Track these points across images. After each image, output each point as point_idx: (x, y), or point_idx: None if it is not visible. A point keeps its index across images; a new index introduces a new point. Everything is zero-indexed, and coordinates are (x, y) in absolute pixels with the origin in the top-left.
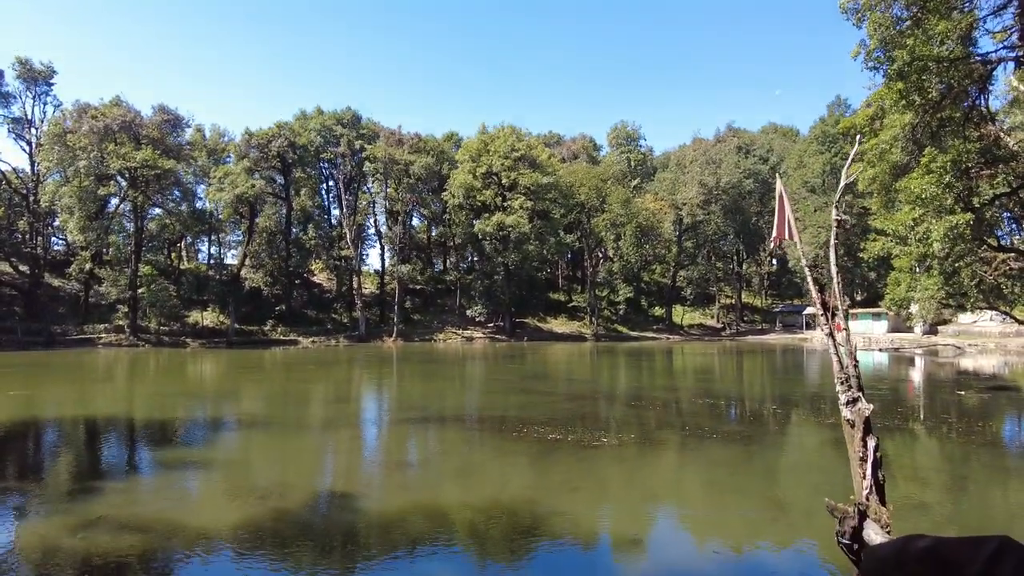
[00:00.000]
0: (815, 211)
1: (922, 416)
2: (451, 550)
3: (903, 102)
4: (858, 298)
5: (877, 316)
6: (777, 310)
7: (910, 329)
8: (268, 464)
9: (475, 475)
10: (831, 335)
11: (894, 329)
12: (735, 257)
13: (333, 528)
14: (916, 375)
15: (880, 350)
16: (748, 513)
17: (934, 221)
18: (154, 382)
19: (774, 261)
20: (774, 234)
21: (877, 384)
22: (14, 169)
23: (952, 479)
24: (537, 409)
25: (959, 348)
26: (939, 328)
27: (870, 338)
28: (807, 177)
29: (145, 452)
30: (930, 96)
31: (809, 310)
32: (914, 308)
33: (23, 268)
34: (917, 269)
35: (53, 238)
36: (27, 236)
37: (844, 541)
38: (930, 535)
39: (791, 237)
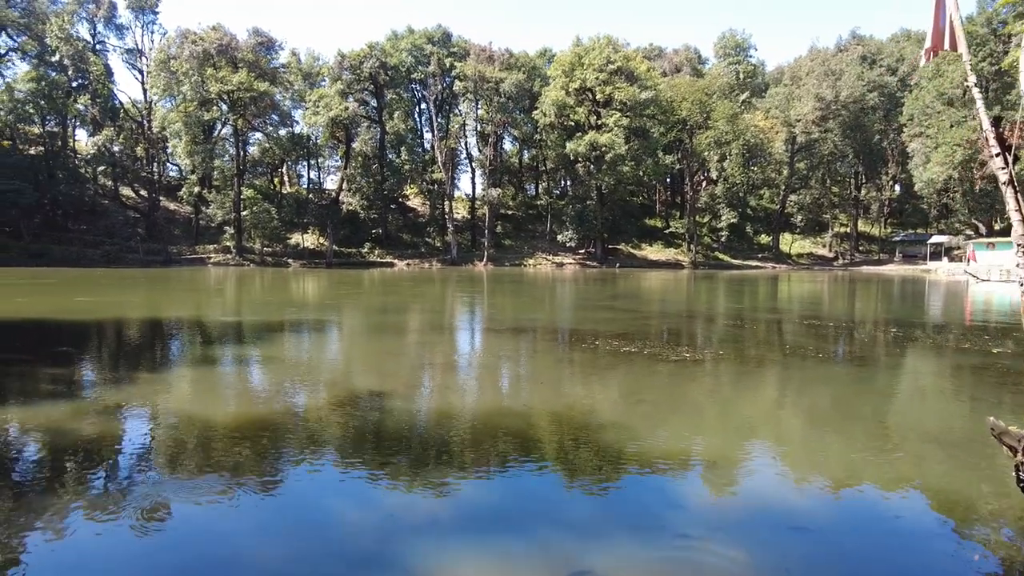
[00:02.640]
0: (951, 127)
1: None
2: (482, 453)
3: None
4: (997, 226)
5: None
6: (897, 239)
7: None
8: (358, 364)
9: (535, 381)
10: (1010, 182)
11: None
12: (853, 180)
13: (387, 419)
14: None
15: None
16: (851, 443)
17: None
18: (259, 293)
19: (897, 186)
20: (926, 45)
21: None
22: (131, 99)
23: None
24: (617, 324)
25: None
26: None
27: (1008, 270)
28: (944, 88)
29: (237, 349)
30: None
31: (935, 239)
32: None
33: (143, 192)
34: None
35: (167, 163)
36: (144, 162)
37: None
38: None
39: (952, 47)
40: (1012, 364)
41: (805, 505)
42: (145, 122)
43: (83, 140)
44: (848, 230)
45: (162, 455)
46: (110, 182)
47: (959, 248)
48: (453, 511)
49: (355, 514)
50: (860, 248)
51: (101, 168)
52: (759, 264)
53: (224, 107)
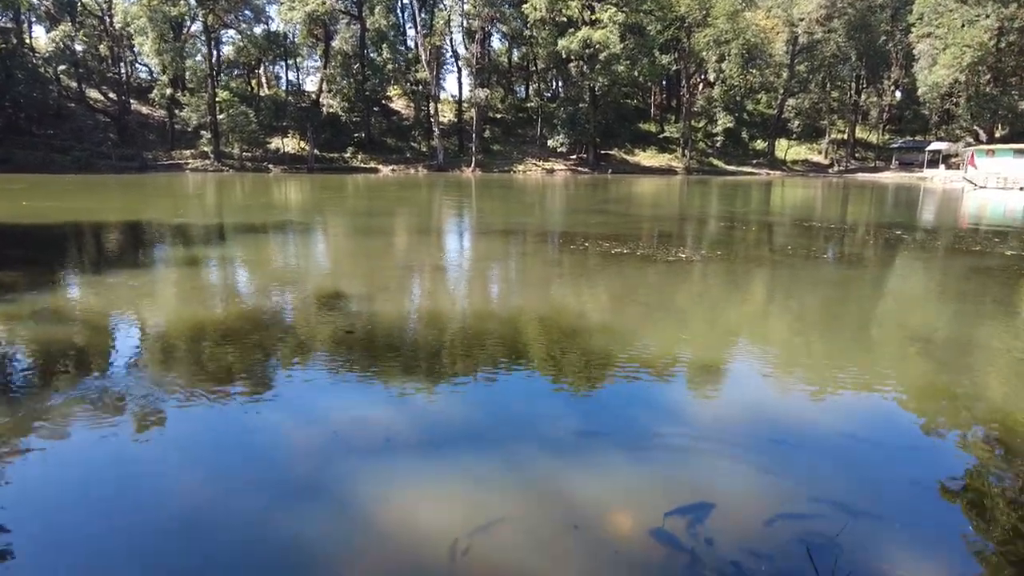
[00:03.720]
0: (963, 26)
1: None
2: (469, 355)
3: None
4: (998, 133)
5: (1021, 153)
6: (895, 146)
7: None
8: (343, 268)
9: (524, 283)
10: None
11: None
12: (853, 85)
13: (371, 323)
14: None
15: (1022, 189)
16: (835, 345)
17: None
18: (240, 198)
19: (898, 92)
20: None
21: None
22: None
23: None
24: (609, 227)
25: None
26: None
27: (1005, 178)
28: None
29: (220, 251)
30: None
31: (934, 146)
32: None
33: (111, 95)
34: None
35: (136, 64)
36: (109, 62)
37: None
38: None
39: None
40: (1000, 263)
41: (787, 408)
42: (106, 17)
43: (41, 38)
44: (845, 137)
45: (145, 358)
46: (74, 83)
47: (957, 155)
48: (437, 417)
49: (335, 418)
50: (856, 155)
51: (63, 68)
52: (753, 171)
53: (192, 1)
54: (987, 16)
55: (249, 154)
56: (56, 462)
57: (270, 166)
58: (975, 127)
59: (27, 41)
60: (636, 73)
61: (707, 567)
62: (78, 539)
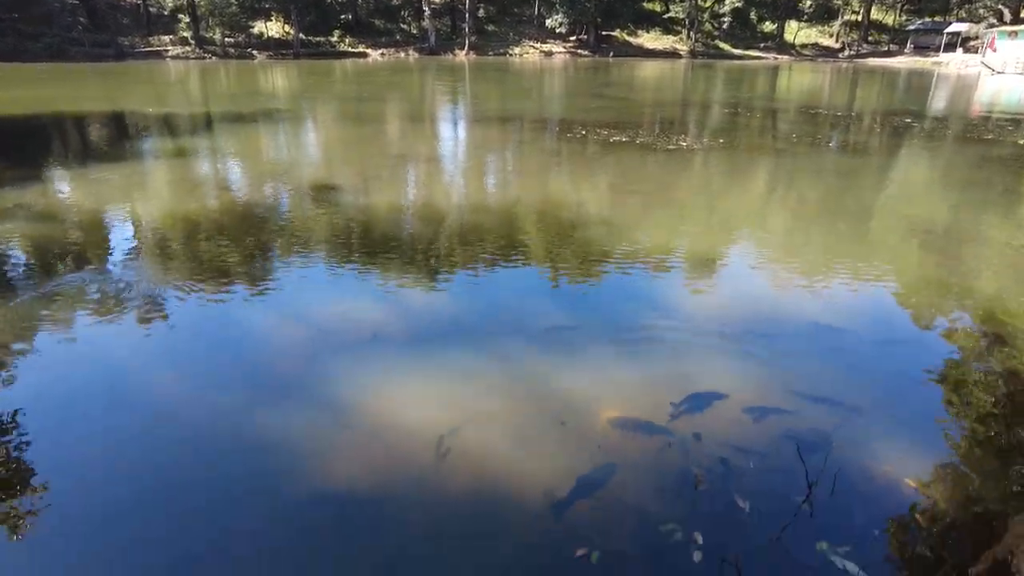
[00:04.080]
0: None
1: None
2: (466, 248)
3: None
4: None
5: None
6: (911, 28)
7: None
8: (335, 157)
9: (519, 174)
10: None
11: None
12: None
13: (364, 215)
14: None
15: None
16: (833, 236)
17: None
18: (224, 86)
19: None
20: None
21: None
22: None
23: None
24: (609, 114)
25: None
26: None
27: None
28: None
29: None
30: None
31: (954, 27)
32: None
33: None
34: None
35: None
36: None
37: None
38: None
39: None
40: (1012, 153)
41: (781, 302)
42: None
43: None
44: (859, 18)
45: (129, 254)
46: None
47: (977, 38)
48: (426, 312)
49: (321, 314)
50: (869, 39)
51: None
52: (760, 55)
53: None
54: None
55: (232, 40)
56: (37, 360)
57: (254, 52)
58: (1000, 5)
59: None
60: None
61: (695, 463)
62: (62, 435)
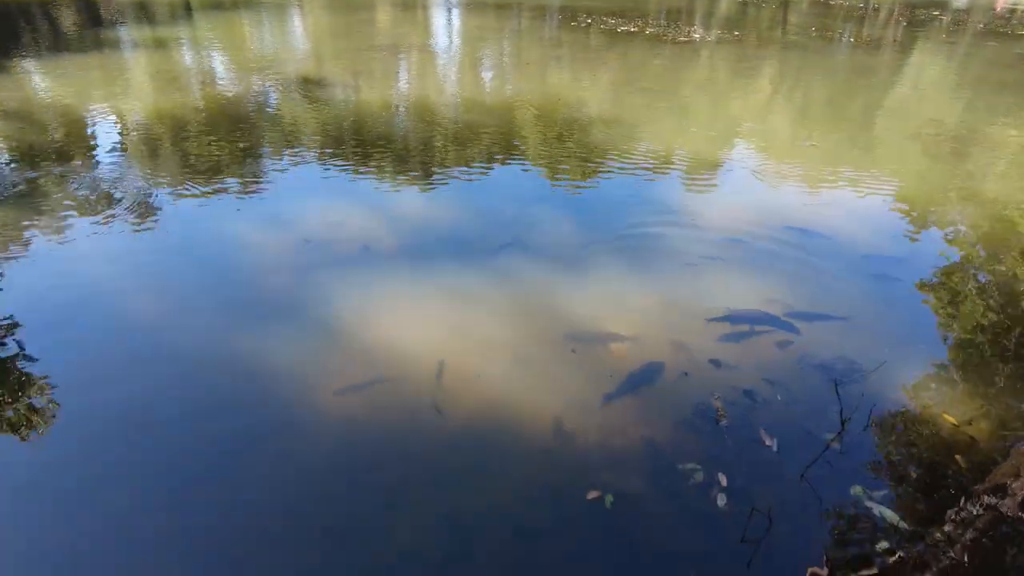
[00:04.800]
0: None
1: None
2: (468, 149)
3: None
4: None
5: None
6: None
7: None
8: (323, 46)
9: (517, 68)
10: None
11: None
12: None
13: (356, 111)
14: None
15: None
16: (837, 138)
17: None
18: None
19: None
20: None
21: None
22: None
23: None
24: (616, 0)
25: None
26: None
27: None
28: None
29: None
30: None
31: None
32: None
33: None
34: None
35: None
36: None
37: None
38: None
39: None
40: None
41: (778, 202)
42: None
43: None
44: None
45: (108, 153)
46: None
47: None
48: (419, 221)
49: (309, 224)
50: None
51: None
52: None
53: None
54: None
55: None
56: (17, 265)
57: None
58: None
59: None
60: None
61: (716, 395)
62: (45, 342)
